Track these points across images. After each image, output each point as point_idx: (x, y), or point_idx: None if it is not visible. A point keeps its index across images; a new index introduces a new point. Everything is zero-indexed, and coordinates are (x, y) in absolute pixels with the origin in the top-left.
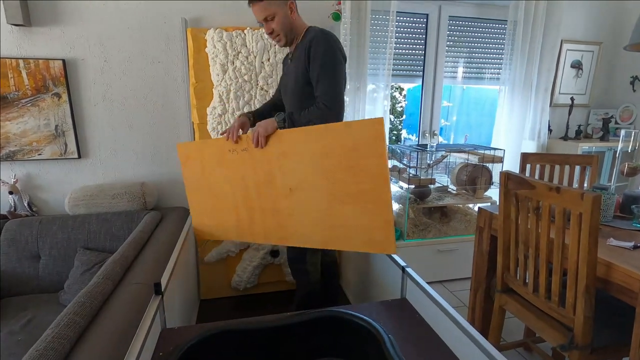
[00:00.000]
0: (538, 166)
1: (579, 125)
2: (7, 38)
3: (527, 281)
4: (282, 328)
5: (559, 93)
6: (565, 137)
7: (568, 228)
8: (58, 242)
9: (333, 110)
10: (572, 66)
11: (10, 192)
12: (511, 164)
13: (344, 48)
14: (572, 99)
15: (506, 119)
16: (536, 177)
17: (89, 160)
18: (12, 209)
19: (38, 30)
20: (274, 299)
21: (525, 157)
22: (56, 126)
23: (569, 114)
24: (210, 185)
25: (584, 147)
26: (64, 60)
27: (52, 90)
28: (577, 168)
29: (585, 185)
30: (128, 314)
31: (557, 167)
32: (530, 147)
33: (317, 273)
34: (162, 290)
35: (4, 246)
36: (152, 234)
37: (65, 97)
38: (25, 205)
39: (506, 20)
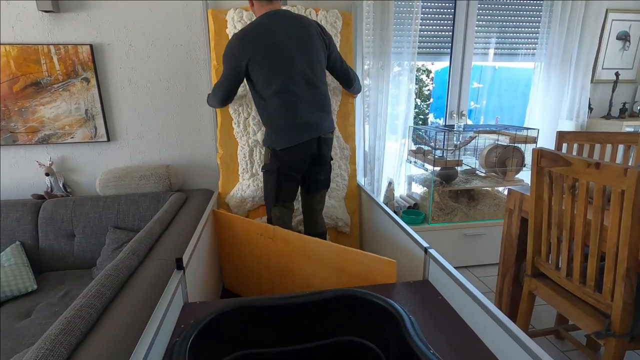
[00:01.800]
0: (576, 146)
1: (624, 103)
2: (38, 24)
3: (559, 265)
4: (300, 305)
5: (602, 68)
6: (607, 116)
7: (607, 208)
8: (90, 222)
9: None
10: (619, 38)
11: (47, 174)
12: (546, 145)
13: (367, 26)
14: (617, 74)
15: (541, 98)
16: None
17: (117, 143)
18: (48, 190)
19: (66, 16)
20: None
21: (562, 136)
22: (86, 110)
23: (613, 90)
24: (240, 252)
25: (628, 126)
26: (91, 45)
27: (82, 75)
28: (621, 147)
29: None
30: (152, 287)
31: (597, 147)
32: (568, 127)
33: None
34: (184, 265)
35: (42, 224)
36: (177, 214)
37: (93, 81)
38: (61, 186)
39: None
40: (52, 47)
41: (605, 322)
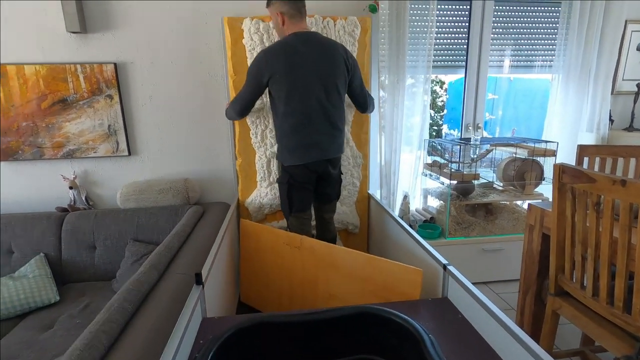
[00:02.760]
0: (598, 159)
1: None
2: (66, 45)
3: (584, 284)
4: (319, 322)
5: (623, 79)
6: (630, 128)
7: (635, 226)
8: (111, 234)
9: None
10: (639, 49)
11: (70, 187)
12: (566, 158)
13: (381, 40)
14: (638, 85)
15: (560, 110)
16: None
17: (138, 158)
18: (72, 203)
19: (92, 36)
20: None
21: (583, 150)
22: (109, 126)
23: (635, 102)
24: (262, 264)
25: None
26: (115, 64)
27: (105, 92)
28: None
29: None
30: (171, 302)
31: (620, 161)
32: (588, 140)
33: None
34: (203, 280)
35: (65, 237)
36: (195, 228)
37: (116, 98)
38: (83, 199)
39: (559, 2)
40: (78, 66)
41: (637, 346)
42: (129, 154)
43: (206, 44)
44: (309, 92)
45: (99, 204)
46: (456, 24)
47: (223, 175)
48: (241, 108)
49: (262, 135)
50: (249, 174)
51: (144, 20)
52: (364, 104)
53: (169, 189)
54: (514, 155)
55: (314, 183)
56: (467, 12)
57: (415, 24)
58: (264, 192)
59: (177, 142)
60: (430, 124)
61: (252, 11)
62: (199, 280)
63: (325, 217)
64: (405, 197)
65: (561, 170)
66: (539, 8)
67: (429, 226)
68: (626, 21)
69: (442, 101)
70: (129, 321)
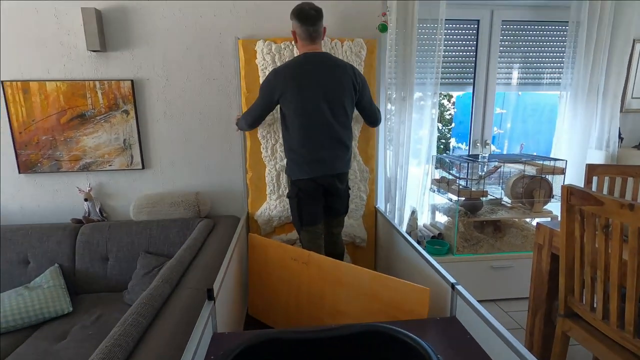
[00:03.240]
0: (607, 179)
1: None
2: (86, 62)
3: (594, 306)
4: (328, 340)
5: (632, 97)
6: (639, 146)
7: None
8: (123, 246)
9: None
10: None
11: (86, 199)
12: (575, 176)
13: (390, 58)
14: None
15: (568, 127)
16: (605, 191)
17: (151, 171)
18: (86, 214)
19: (112, 54)
20: None
21: (592, 169)
22: (124, 140)
23: None
24: (270, 277)
25: None
26: (132, 81)
27: (122, 108)
28: None
29: None
30: (184, 316)
31: (630, 181)
32: (598, 157)
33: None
34: (214, 296)
35: (79, 248)
36: (205, 241)
37: (132, 113)
38: (97, 211)
39: (567, 22)
40: (97, 82)
41: None
42: (143, 167)
43: (220, 62)
44: (316, 110)
45: (112, 216)
46: (464, 42)
47: (233, 188)
48: (252, 121)
49: (272, 150)
50: (259, 187)
51: (160, 39)
52: (374, 120)
53: (180, 202)
54: (522, 172)
55: (322, 197)
56: (474, 31)
57: (424, 42)
58: (273, 204)
59: (189, 156)
60: (438, 137)
61: (264, 32)
62: (210, 295)
63: (333, 231)
64: (413, 212)
65: (569, 191)
66: (547, 27)
67: (437, 242)
68: (634, 40)
69: (450, 114)
70: (143, 336)
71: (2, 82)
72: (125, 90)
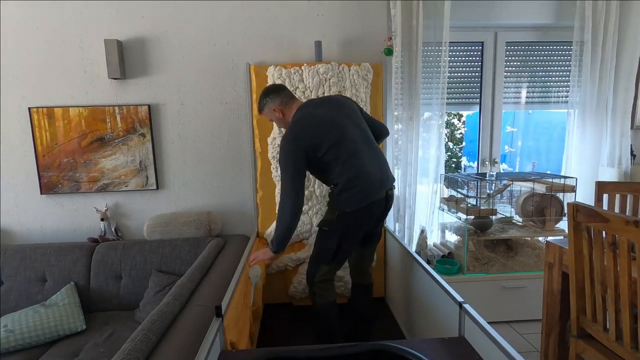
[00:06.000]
0: (618, 196)
1: None
2: (107, 89)
3: (607, 327)
4: (333, 358)
5: None
6: None
7: None
8: (137, 265)
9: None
10: None
11: (102, 219)
12: (586, 194)
13: (396, 80)
14: None
15: (577, 145)
16: (616, 209)
17: (165, 191)
18: (102, 234)
19: (130, 81)
20: None
21: (602, 187)
22: (140, 161)
23: None
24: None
25: None
26: (149, 106)
27: (139, 131)
28: None
29: None
30: (192, 333)
31: None
32: (610, 175)
33: (328, 294)
34: (222, 313)
35: (94, 267)
36: (216, 259)
37: (148, 136)
38: (113, 230)
39: (571, 42)
40: (116, 107)
41: None
42: (157, 187)
43: (232, 87)
44: (348, 133)
45: (127, 235)
46: (469, 63)
47: (243, 208)
48: (297, 193)
49: None
50: (269, 206)
51: (176, 66)
52: (381, 127)
53: (192, 221)
54: (532, 190)
55: (372, 226)
56: (479, 52)
57: (429, 64)
58: None
59: (201, 176)
60: (449, 156)
61: (273, 58)
62: (218, 312)
63: (368, 261)
64: (423, 231)
65: (575, 209)
66: (551, 47)
67: (447, 262)
68: None
69: (460, 133)
70: (152, 352)
71: (29, 108)
72: (142, 114)
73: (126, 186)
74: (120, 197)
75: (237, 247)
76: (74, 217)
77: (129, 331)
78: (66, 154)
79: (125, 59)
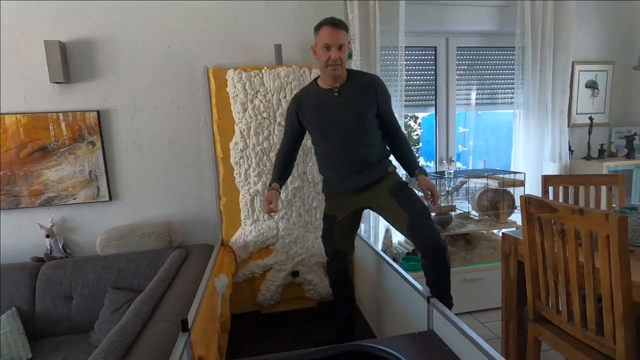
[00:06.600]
0: (561, 188)
1: (602, 144)
2: (49, 94)
3: (560, 309)
4: None
5: (577, 113)
6: (588, 157)
7: (597, 251)
8: (89, 282)
9: None
10: (587, 86)
11: (47, 236)
12: (534, 187)
13: None
14: (590, 118)
15: (523, 142)
16: (560, 199)
17: (119, 202)
18: (48, 252)
19: (76, 85)
20: (295, 317)
21: (547, 180)
22: (90, 171)
23: (589, 133)
24: None
25: (609, 166)
26: (98, 112)
27: (87, 139)
28: (603, 189)
29: (615, 206)
30: (157, 350)
31: (581, 189)
32: (553, 169)
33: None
34: (189, 326)
35: (39, 288)
36: (178, 272)
37: (98, 144)
38: (60, 247)
39: (514, 47)
40: (61, 114)
41: None
42: (110, 199)
43: (189, 91)
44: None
45: (77, 252)
46: (424, 66)
47: (206, 216)
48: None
49: (246, 175)
50: (233, 213)
51: (127, 70)
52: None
53: (151, 233)
54: (486, 186)
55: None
56: (433, 57)
57: (387, 67)
58: (249, 229)
59: (159, 185)
60: None
61: (232, 61)
62: (184, 326)
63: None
64: (388, 230)
65: (527, 201)
66: (497, 52)
67: (412, 259)
68: (573, 62)
69: (417, 135)
70: None
71: None
72: (90, 121)
73: (74, 199)
74: (68, 210)
75: (201, 257)
76: (14, 235)
77: (83, 355)
78: (2, 165)
79: (69, 62)
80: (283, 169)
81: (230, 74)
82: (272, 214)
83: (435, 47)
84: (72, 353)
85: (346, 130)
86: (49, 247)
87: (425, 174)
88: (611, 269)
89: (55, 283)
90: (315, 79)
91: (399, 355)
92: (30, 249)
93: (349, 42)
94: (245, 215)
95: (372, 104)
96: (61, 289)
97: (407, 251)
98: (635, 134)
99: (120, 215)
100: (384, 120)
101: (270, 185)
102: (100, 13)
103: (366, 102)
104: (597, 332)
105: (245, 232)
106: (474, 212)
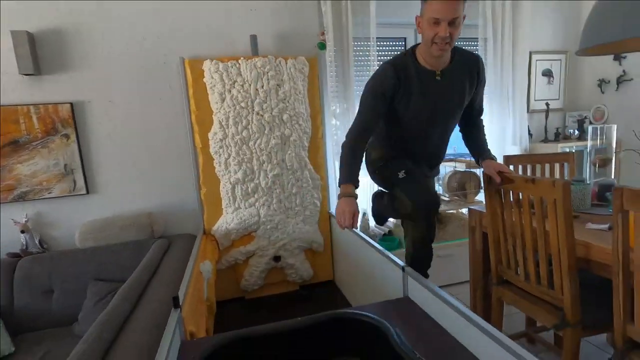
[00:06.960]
0: (521, 167)
1: (557, 128)
2: (18, 87)
3: (518, 271)
4: (296, 331)
5: (535, 100)
6: (545, 140)
7: (547, 217)
8: (69, 276)
9: None
10: (543, 74)
11: (22, 231)
12: None
13: (330, 74)
14: (547, 104)
15: (487, 127)
16: None
17: (97, 195)
18: (24, 247)
19: (47, 77)
20: (279, 301)
21: (508, 159)
22: (65, 165)
23: (546, 118)
24: None
25: (564, 147)
26: (71, 104)
27: (61, 132)
28: (557, 166)
29: (566, 178)
30: (149, 328)
31: (538, 167)
32: (514, 151)
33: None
34: (180, 303)
35: (17, 284)
36: (162, 260)
37: (73, 137)
38: (37, 242)
39: (477, 38)
40: (31, 107)
41: (560, 315)
42: (87, 192)
43: (165, 82)
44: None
45: (54, 246)
46: (394, 53)
47: (187, 206)
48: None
49: (226, 164)
50: (214, 202)
51: (101, 61)
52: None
53: (131, 224)
54: (454, 169)
55: None
56: (403, 47)
57: (360, 58)
58: (230, 217)
59: (139, 177)
60: None
61: (208, 52)
62: (176, 303)
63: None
64: (364, 214)
65: (489, 177)
66: (463, 43)
67: (388, 239)
68: (530, 52)
69: None
70: (108, 350)
71: None
72: (64, 113)
73: (50, 193)
74: (43, 205)
75: (184, 246)
76: None
77: (67, 347)
78: None
79: (39, 53)
80: (359, 163)
81: (207, 65)
82: (346, 228)
83: (405, 38)
84: (56, 346)
85: (439, 124)
86: (24, 242)
87: (495, 159)
88: (558, 230)
89: (33, 277)
90: (413, 49)
91: (375, 317)
92: (4, 246)
93: (418, 18)
94: (227, 204)
95: (470, 92)
96: (40, 284)
97: (383, 232)
98: (585, 118)
99: (99, 208)
100: (472, 103)
101: (340, 186)
102: (70, 3)
103: (465, 91)
104: (549, 286)
105: (227, 220)
106: (444, 194)
